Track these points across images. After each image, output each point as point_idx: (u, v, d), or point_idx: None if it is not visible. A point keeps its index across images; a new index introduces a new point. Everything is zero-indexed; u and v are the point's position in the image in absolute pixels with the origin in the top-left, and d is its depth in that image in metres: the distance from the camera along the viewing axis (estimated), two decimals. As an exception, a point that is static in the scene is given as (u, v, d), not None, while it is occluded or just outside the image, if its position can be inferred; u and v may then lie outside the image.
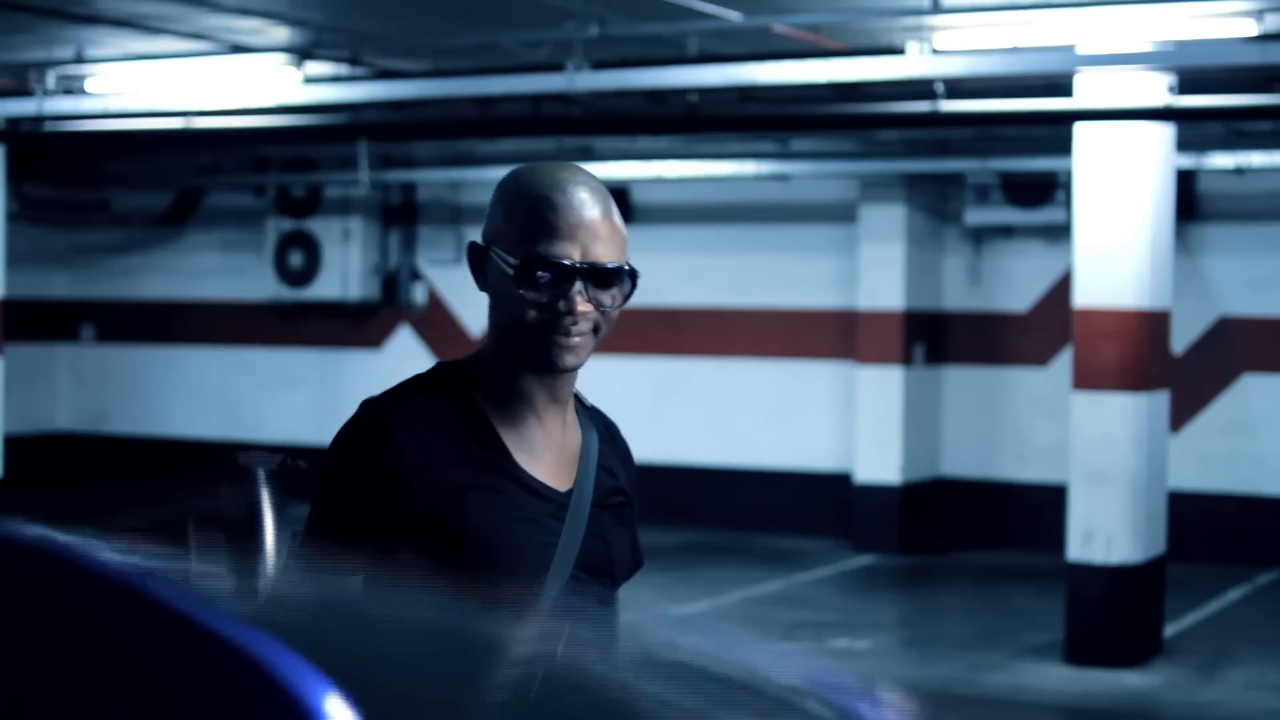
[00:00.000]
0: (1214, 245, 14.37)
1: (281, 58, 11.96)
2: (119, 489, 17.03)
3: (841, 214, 15.50)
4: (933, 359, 15.30)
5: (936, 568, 14.28)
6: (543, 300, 2.61)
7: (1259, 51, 9.34)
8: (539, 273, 2.62)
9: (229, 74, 12.34)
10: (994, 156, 14.08)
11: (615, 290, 2.65)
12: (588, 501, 2.71)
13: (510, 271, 2.64)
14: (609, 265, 2.63)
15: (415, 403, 2.64)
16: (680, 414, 16.01)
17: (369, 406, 2.66)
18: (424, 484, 2.57)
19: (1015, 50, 10.13)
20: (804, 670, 2.25)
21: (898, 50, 10.80)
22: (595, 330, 2.66)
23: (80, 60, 12.12)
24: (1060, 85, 10.67)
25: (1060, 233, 14.44)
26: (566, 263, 2.61)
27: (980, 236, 15.25)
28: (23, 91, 12.83)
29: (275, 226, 17.46)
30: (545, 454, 2.69)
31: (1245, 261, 14.28)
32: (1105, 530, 10.30)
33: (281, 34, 11.42)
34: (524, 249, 2.63)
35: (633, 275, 2.66)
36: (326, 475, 2.67)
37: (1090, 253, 10.41)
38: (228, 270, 18.26)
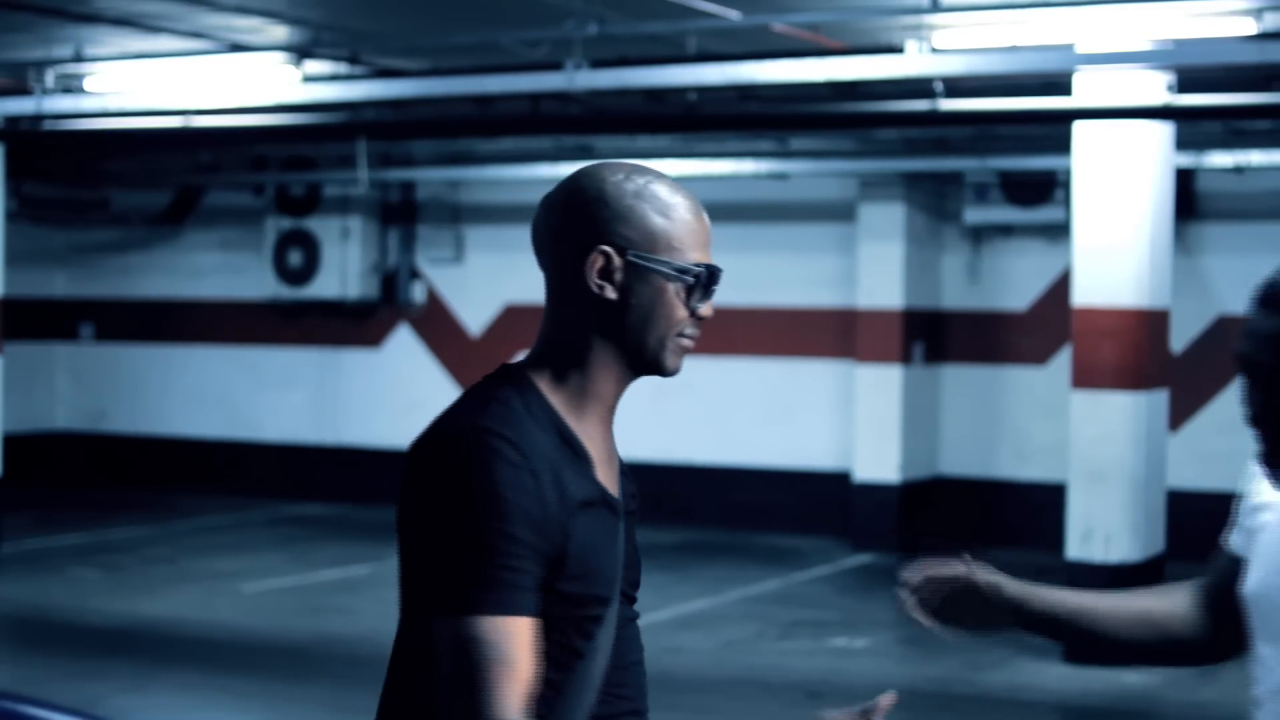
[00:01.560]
0: (1213, 244, 14.37)
1: (280, 56, 11.96)
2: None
3: (841, 213, 15.51)
4: (932, 358, 15.30)
5: (935, 566, 14.29)
6: (699, 307, 2.67)
7: (1257, 50, 9.34)
8: (713, 282, 2.68)
9: (228, 73, 12.35)
10: (993, 155, 14.07)
11: None
12: (623, 509, 2.71)
13: (688, 278, 2.65)
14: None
15: (522, 420, 2.54)
16: (679, 413, 16.01)
17: (487, 436, 2.48)
18: (560, 508, 2.50)
19: (1014, 49, 10.13)
20: None
21: (897, 49, 10.80)
22: None
23: (79, 59, 12.12)
24: (1059, 84, 10.67)
25: (1059, 231, 14.44)
26: (720, 270, 2.70)
27: (979, 235, 15.25)
28: (22, 90, 12.83)
29: (274, 225, 17.46)
30: (607, 462, 2.68)
31: (1244, 260, 14.27)
32: (1104, 529, 10.31)
33: (280, 33, 11.42)
34: (687, 256, 2.66)
35: None
36: (472, 522, 2.45)
37: (1089, 251, 10.41)
38: (227, 269, 18.26)
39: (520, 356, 2.71)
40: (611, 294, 2.62)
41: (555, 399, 2.62)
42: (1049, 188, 14.47)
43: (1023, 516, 14.88)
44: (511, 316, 16.68)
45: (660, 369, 2.67)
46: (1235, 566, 3.04)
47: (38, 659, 10.30)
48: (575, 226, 2.63)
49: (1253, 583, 2.95)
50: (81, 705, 7.74)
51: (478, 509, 2.44)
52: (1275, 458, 2.85)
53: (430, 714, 2.49)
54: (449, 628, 2.44)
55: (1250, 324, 2.89)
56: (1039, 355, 15.01)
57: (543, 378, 2.63)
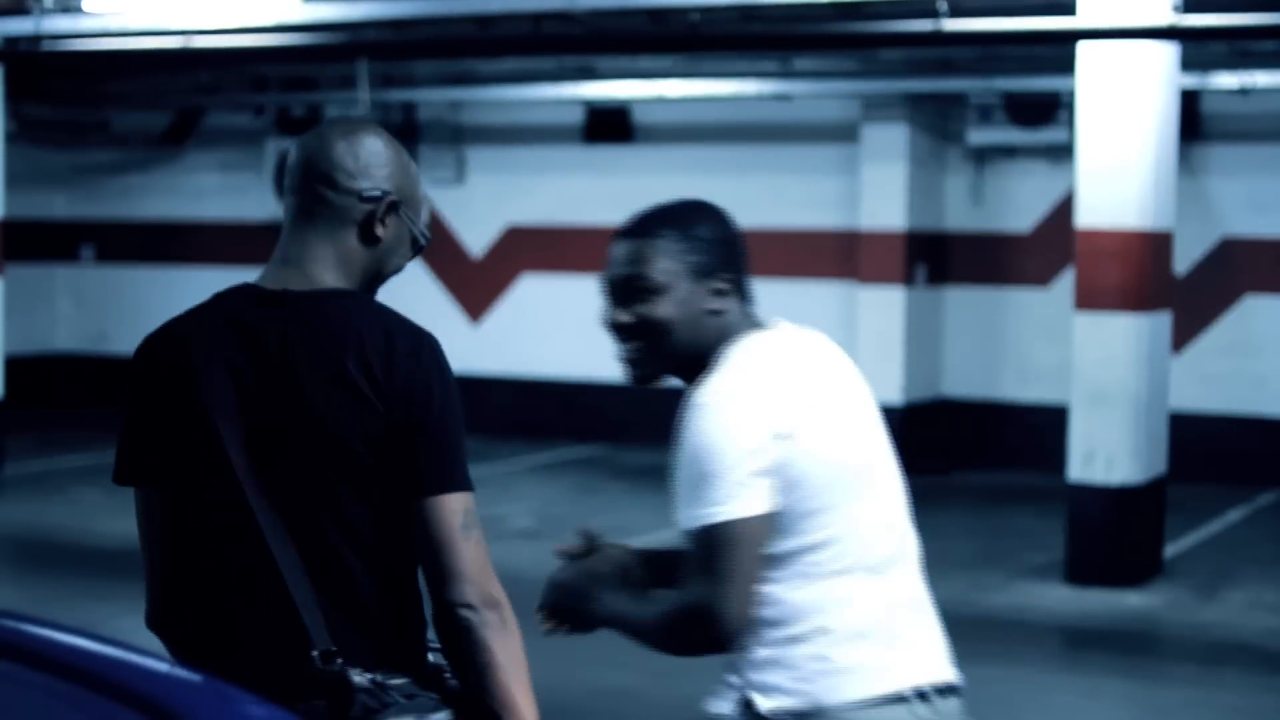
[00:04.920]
0: (1217, 166, 14.32)
1: (280, -24, 11.88)
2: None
3: (843, 134, 15.44)
4: (934, 280, 15.27)
5: (938, 488, 14.28)
6: None
7: (1265, -30, 9.27)
8: None
9: (227, -8, 12.27)
10: (997, 76, 14.00)
11: None
12: None
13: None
14: None
15: None
16: (681, 335, 15.98)
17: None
18: None
19: (1019, -32, 10.06)
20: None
21: (901, -32, 10.73)
22: None
23: (78, -22, 12.05)
24: (1064, 4, 10.60)
25: (1063, 153, 14.38)
26: None
27: (982, 156, 15.19)
28: (20, 10, 12.74)
29: (275, 146, 17.41)
30: None
31: (1248, 182, 14.23)
32: (1106, 451, 10.31)
33: (280, -48, 11.35)
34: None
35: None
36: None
37: (1093, 173, 10.37)
38: (227, 190, 18.21)
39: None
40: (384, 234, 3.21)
41: None
42: (1053, 109, 14.41)
43: (1025, 438, 14.89)
44: (513, 238, 16.64)
45: None
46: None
47: (41, 580, 10.33)
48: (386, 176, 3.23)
49: None
50: (85, 626, 7.78)
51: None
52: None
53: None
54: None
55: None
56: (1042, 277, 14.99)
57: None
